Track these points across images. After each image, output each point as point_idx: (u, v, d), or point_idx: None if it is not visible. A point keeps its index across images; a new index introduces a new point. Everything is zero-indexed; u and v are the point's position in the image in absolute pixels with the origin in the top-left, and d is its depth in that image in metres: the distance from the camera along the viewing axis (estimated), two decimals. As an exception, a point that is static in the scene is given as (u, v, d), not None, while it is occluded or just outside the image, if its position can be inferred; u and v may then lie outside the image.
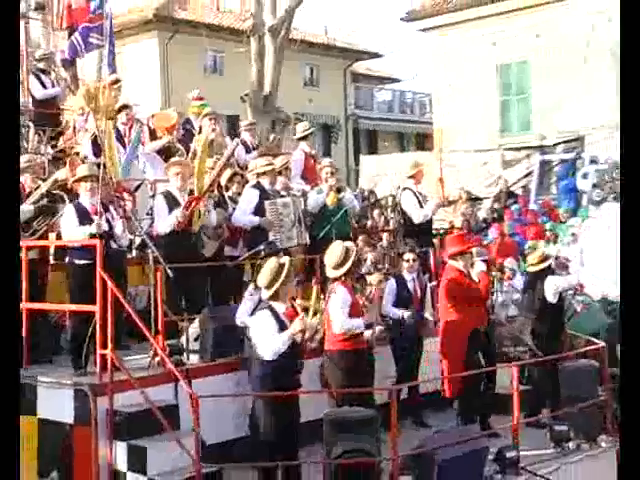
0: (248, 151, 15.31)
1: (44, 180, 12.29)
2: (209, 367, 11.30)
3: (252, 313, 10.69)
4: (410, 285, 12.82)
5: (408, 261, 12.92)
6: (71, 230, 11.08)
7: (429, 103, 48.20)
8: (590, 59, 30.68)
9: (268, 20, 27.32)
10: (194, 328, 11.52)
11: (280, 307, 10.06)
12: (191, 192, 12.11)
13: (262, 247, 11.95)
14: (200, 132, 15.02)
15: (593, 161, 27.72)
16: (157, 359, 11.12)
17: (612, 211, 21.69)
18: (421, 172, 14.63)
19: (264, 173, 13.10)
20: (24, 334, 11.13)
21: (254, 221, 12.80)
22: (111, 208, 11.33)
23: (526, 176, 31.30)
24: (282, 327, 9.87)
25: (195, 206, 11.85)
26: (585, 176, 26.41)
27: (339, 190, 13.85)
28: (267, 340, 9.80)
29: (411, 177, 14.73)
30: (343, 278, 10.97)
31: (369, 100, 52.73)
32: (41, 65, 16.61)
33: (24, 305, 11.12)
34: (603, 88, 30.04)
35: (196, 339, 11.49)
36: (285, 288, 10.08)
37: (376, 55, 50.74)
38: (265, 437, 9.94)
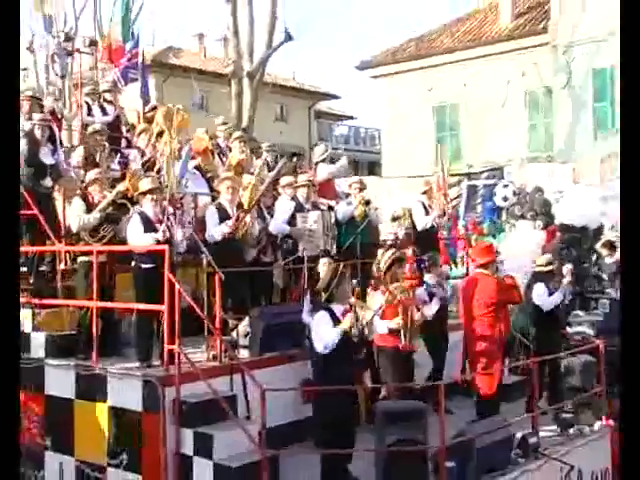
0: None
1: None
2: (262, 361, 9.95)
3: (311, 314, 9.60)
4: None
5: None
6: (137, 237, 9.75)
7: (378, 137, 47.39)
8: (507, 104, 30.44)
9: (246, 66, 26.53)
10: (243, 326, 10.18)
11: (337, 307, 8.95)
12: (239, 204, 10.81)
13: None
14: (230, 151, 13.73)
15: (506, 185, 27.13)
16: (212, 353, 9.80)
17: (526, 227, 21.02)
18: (432, 189, 13.49)
19: (303, 187, 11.82)
20: (94, 331, 9.75)
21: (286, 230, 11.53)
22: (171, 218, 9.95)
23: (456, 198, 30.59)
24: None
25: (244, 218, 10.56)
26: (505, 199, 25.55)
27: (367, 203, 12.67)
28: (320, 335, 8.76)
29: (424, 193, 13.50)
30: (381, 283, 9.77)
31: (329, 133, 51.31)
32: (107, 96, 15.00)
33: (95, 304, 9.76)
34: (517, 127, 29.95)
35: (245, 336, 10.14)
36: (340, 290, 9.01)
37: (335, 97, 49.65)
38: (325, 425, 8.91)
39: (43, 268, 10.74)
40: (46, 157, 10.96)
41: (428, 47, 33.10)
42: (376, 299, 9.89)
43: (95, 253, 9.77)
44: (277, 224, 11.48)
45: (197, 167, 12.34)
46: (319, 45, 69.82)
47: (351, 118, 54.90)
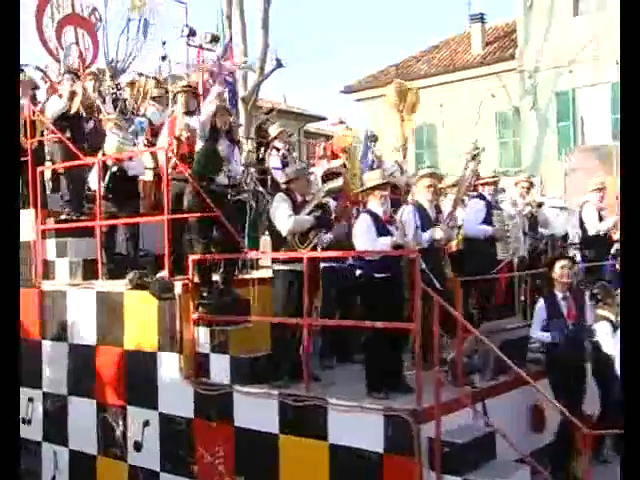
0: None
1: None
2: (503, 385, 7.07)
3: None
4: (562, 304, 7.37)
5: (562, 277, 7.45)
6: (370, 241, 6.75)
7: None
8: (479, 123, 28.67)
9: (240, 91, 23.85)
10: (469, 342, 7.28)
11: (611, 317, 6.22)
12: (436, 207, 7.92)
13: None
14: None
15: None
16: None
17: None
18: (606, 190, 10.48)
19: (487, 184, 8.96)
20: (305, 348, 6.78)
21: (488, 231, 8.53)
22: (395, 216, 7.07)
23: (438, 209, 28.60)
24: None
25: (452, 220, 7.70)
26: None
27: (536, 205, 10.22)
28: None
29: (599, 190, 10.33)
30: None
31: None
32: None
33: (305, 321, 6.76)
34: (489, 144, 28.10)
35: (469, 356, 7.24)
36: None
37: (323, 118, 46.48)
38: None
39: (216, 278, 7.60)
40: (223, 151, 7.78)
41: (407, 72, 31.09)
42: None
43: (305, 260, 6.78)
44: (474, 226, 8.57)
45: (343, 166, 9.49)
46: (307, 72, 67.46)
47: (338, 138, 52.28)
